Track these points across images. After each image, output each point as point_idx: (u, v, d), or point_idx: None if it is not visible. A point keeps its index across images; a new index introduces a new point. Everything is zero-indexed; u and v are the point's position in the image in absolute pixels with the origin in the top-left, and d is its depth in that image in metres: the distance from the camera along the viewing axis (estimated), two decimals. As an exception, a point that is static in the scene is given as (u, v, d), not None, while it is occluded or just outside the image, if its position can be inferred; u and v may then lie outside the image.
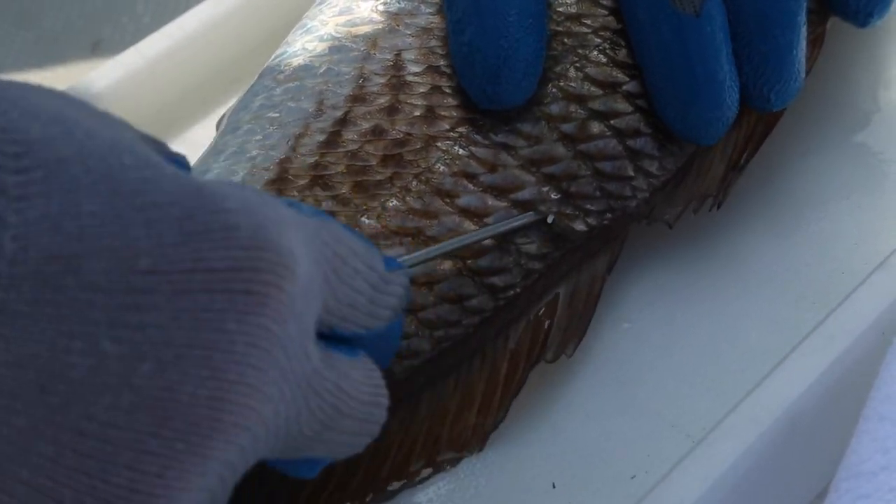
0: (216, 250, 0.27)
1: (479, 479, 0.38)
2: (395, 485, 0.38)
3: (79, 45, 0.58)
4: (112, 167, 0.26)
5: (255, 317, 0.27)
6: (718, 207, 0.42)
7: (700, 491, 0.35)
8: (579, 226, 0.40)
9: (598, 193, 0.40)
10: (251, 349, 0.27)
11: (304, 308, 0.29)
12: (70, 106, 0.28)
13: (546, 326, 0.40)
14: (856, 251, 0.43)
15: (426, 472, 0.38)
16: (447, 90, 0.40)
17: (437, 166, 0.39)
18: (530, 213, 0.40)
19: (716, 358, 0.40)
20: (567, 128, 0.40)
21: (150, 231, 0.26)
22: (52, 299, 0.25)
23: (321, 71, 0.41)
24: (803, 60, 0.41)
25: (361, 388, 0.32)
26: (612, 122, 0.41)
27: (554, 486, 0.38)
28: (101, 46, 0.58)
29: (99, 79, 0.46)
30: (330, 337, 0.32)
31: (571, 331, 0.40)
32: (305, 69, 0.41)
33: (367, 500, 0.38)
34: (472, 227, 0.39)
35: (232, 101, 0.47)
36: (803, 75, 0.41)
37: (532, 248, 0.40)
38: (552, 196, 0.40)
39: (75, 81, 0.46)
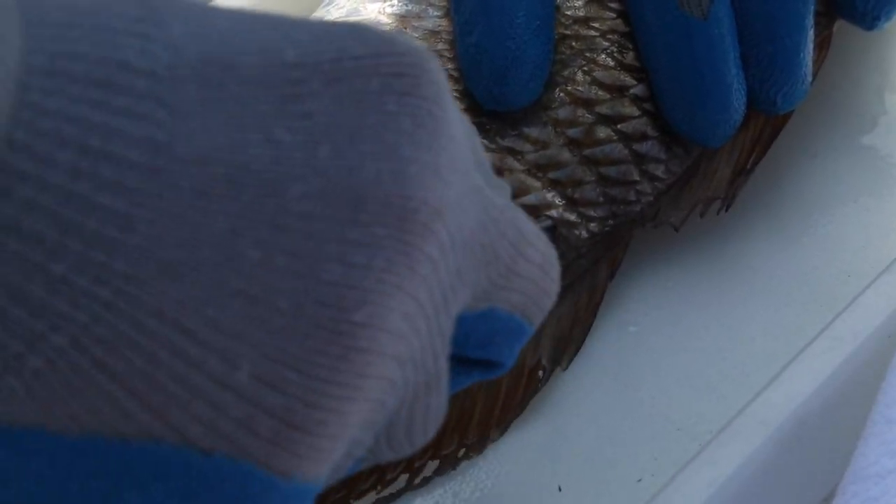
0: (356, 42, 0.26)
1: (484, 482, 0.38)
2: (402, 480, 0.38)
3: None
4: (231, 9, 0.27)
5: (412, 98, 0.26)
6: (727, 210, 0.42)
7: (706, 494, 0.35)
8: (582, 233, 0.40)
9: (601, 199, 0.40)
10: (418, 129, 0.26)
11: (456, 113, 0.28)
12: None
13: (545, 338, 0.40)
14: (863, 254, 0.43)
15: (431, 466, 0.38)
16: (454, 94, 0.40)
17: None
18: (540, 218, 0.40)
19: (722, 361, 0.40)
20: (574, 132, 0.40)
21: (287, 35, 0.26)
22: (218, 97, 0.25)
23: None
24: (810, 63, 0.41)
25: (528, 220, 0.31)
26: (618, 126, 0.41)
27: (560, 490, 0.38)
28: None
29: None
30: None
31: (570, 340, 0.40)
32: None
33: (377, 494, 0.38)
34: None
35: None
36: (810, 78, 0.41)
37: None
38: (557, 202, 0.40)
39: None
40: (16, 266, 0.23)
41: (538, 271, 0.30)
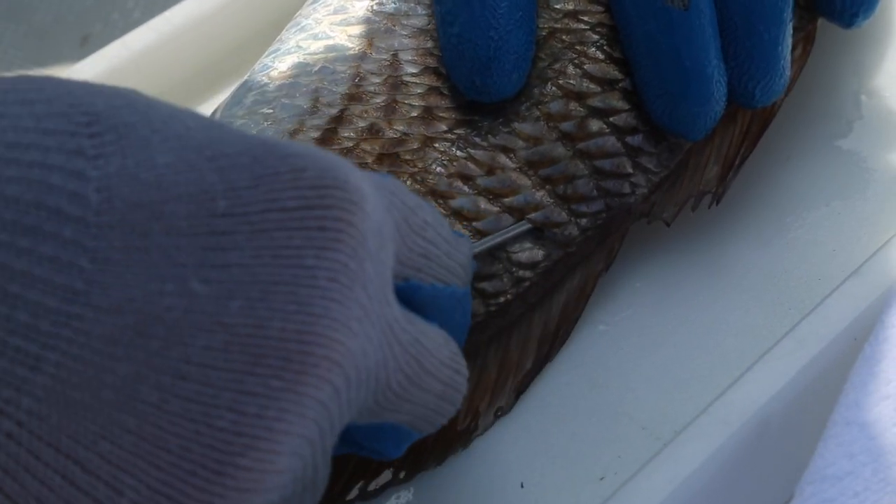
0: (287, 190, 0.28)
1: (448, 478, 0.38)
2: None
3: (68, 39, 0.59)
4: (178, 129, 0.28)
5: (332, 252, 0.28)
6: (718, 203, 0.42)
7: (666, 492, 0.35)
8: (572, 231, 0.40)
9: (595, 193, 0.40)
10: (332, 283, 0.28)
11: (378, 248, 0.29)
12: (124, 89, 0.29)
13: (531, 341, 0.40)
14: (833, 258, 0.43)
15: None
16: (445, 91, 0.40)
17: (433, 167, 0.39)
18: (523, 221, 0.40)
19: (689, 362, 0.40)
20: (567, 126, 0.40)
21: (223, 177, 0.28)
22: (141, 245, 0.27)
23: (316, 69, 0.41)
24: (789, 57, 0.41)
25: (441, 349, 0.32)
26: (610, 119, 0.41)
27: (522, 486, 0.38)
28: (90, 41, 0.58)
29: (83, 71, 0.46)
30: (407, 300, 0.32)
31: (556, 335, 0.40)
32: (300, 66, 0.41)
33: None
34: (463, 230, 0.39)
35: (217, 98, 0.48)
36: (789, 72, 0.41)
37: (523, 256, 0.40)
38: (546, 200, 0.40)
39: (60, 75, 0.46)
40: None
41: (433, 399, 0.32)
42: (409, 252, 0.32)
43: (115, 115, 0.27)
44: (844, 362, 0.36)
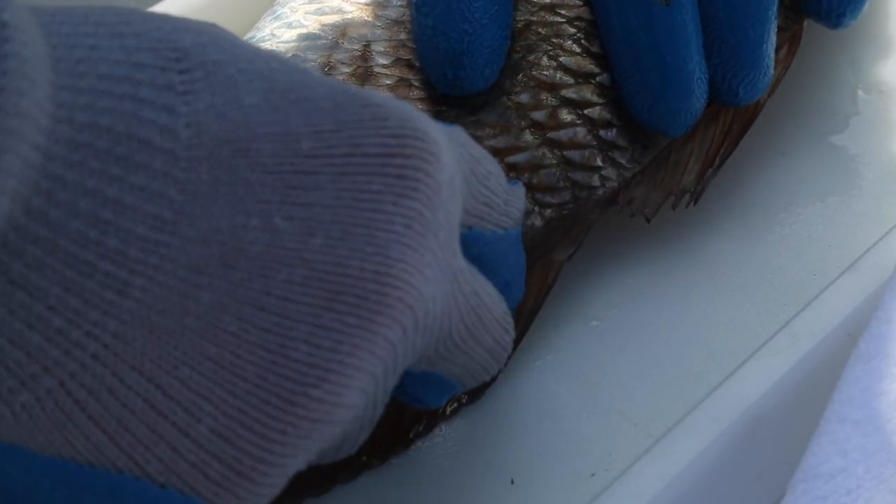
0: (370, 137, 0.29)
1: (437, 474, 0.38)
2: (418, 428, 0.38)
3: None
4: (262, 70, 0.29)
5: (409, 200, 0.29)
6: (695, 203, 0.42)
7: (656, 489, 0.34)
8: (535, 221, 0.39)
9: (561, 184, 0.40)
10: (408, 230, 0.29)
11: (450, 199, 0.30)
12: (207, 25, 0.30)
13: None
14: (829, 254, 0.42)
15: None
16: (415, 83, 0.40)
17: None
18: None
19: (681, 358, 0.40)
20: (537, 115, 0.40)
21: (308, 119, 0.28)
22: (228, 179, 0.27)
23: (287, 57, 0.40)
24: (773, 56, 0.41)
25: (496, 306, 0.33)
26: (584, 111, 0.40)
27: (512, 483, 0.38)
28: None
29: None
30: (470, 247, 0.33)
31: (518, 325, 0.39)
32: None
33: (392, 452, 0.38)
34: None
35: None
36: (773, 70, 0.41)
37: None
38: None
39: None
40: (20, 315, 0.26)
41: (485, 354, 0.33)
42: (475, 201, 0.33)
43: (202, 53, 0.28)
44: (838, 358, 0.36)
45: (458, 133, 0.33)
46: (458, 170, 0.31)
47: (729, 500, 0.37)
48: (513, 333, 0.34)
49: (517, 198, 0.35)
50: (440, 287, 0.30)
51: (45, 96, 0.25)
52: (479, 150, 0.33)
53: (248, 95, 0.28)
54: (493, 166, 0.34)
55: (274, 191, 0.28)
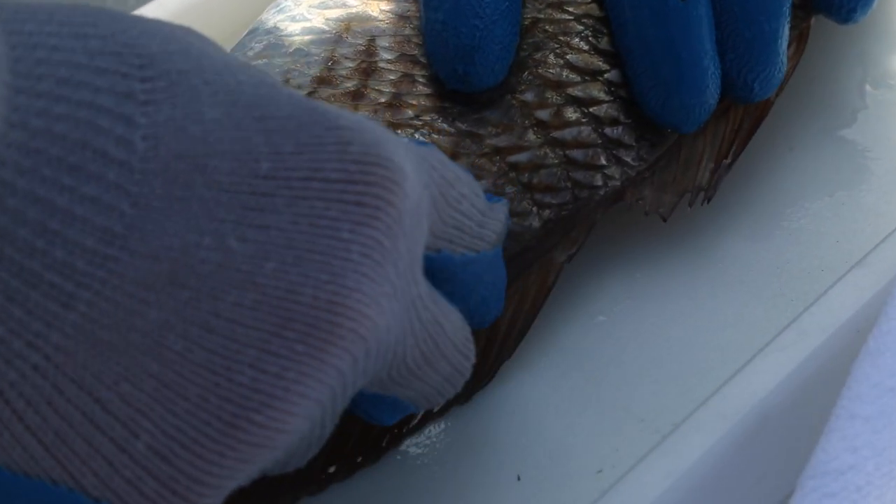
0: (330, 161, 0.28)
1: (443, 469, 0.38)
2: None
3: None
4: (229, 82, 0.28)
5: (368, 228, 0.28)
6: (708, 201, 0.42)
7: (664, 486, 0.34)
8: (533, 222, 0.39)
9: (562, 184, 0.39)
10: (365, 259, 0.28)
11: (412, 227, 0.30)
12: (180, 30, 0.29)
13: (489, 332, 0.39)
14: (837, 249, 0.42)
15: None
16: (419, 79, 0.40)
17: None
18: None
19: (688, 354, 0.40)
20: (542, 114, 0.40)
21: (269, 139, 0.28)
22: (182, 195, 0.27)
23: (290, 50, 0.40)
24: (786, 51, 0.40)
25: (457, 332, 0.33)
26: (590, 109, 0.40)
27: (519, 479, 0.37)
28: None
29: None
30: (437, 270, 0.32)
31: (513, 329, 0.39)
32: (275, 48, 0.40)
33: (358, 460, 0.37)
34: None
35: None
36: (785, 67, 0.40)
37: None
38: (508, 189, 0.39)
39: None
40: None
41: (441, 380, 0.33)
42: (443, 225, 0.32)
43: (168, 61, 0.28)
44: (847, 354, 0.36)
45: (433, 153, 0.32)
46: (425, 195, 0.31)
47: (737, 497, 0.37)
48: (473, 359, 0.34)
49: (495, 219, 0.34)
50: (395, 317, 0.29)
51: (0, 98, 0.25)
52: (453, 172, 0.33)
53: (210, 109, 0.28)
54: (467, 188, 0.33)
55: (229, 210, 0.27)
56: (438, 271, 0.32)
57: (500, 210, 0.35)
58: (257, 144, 0.28)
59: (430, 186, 0.31)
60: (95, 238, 0.26)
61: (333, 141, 0.28)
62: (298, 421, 0.28)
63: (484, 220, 0.34)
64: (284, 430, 0.28)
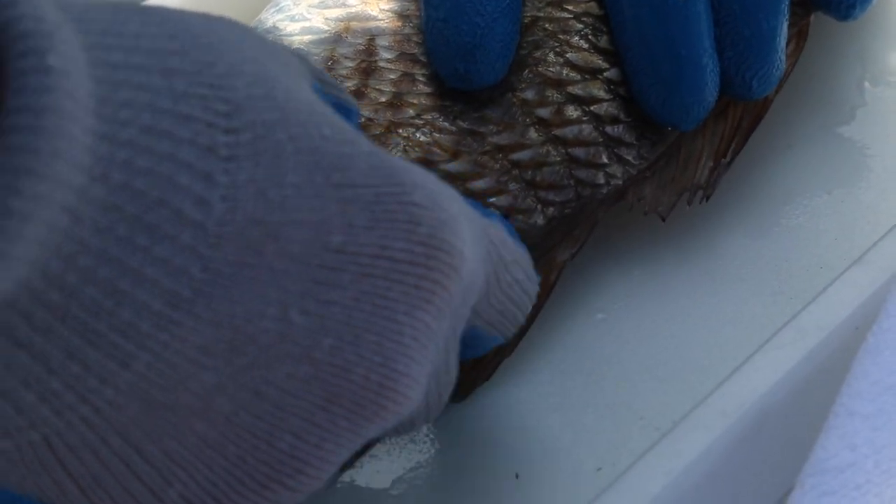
0: (399, 241, 0.28)
1: (442, 467, 0.38)
2: None
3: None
4: (313, 138, 0.28)
5: (421, 312, 0.29)
6: (707, 199, 0.42)
7: (662, 484, 0.34)
8: (538, 220, 0.39)
9: (566, 181, 0.39)
10: (414, 342, 0.29)
11: (460, 307, 0.30)
12: (261, 49, 0.28)
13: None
14: (836, 246, 0.42)
15: None
16: (420, 78, 0.40)
17: (394, 153, 0.39)
18: (488, 210, 0.39)
19: (688, 351, 0.40)
20: (542, 112, 0.40)
21: (344, 210, 0.28)
22: (253, 262, 0.27)
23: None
24: (785, 48, 0.40)
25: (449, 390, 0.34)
26: (590, 107, 0.40)
27: (517, 477, 0.37)
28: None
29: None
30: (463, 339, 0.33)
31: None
32: None
33: None
34: None
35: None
36: (784, 64, 0.40)
37: None
38: (511, 186, 0.39)
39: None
40: (18, 374, 0.25)
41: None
42: (489, 308, 0.33)
43: (253, 109, 0.27)
44: (847, 352, 0.36)
45: (497, 229, 0.32)
46: (480, 271, 0.31)
47: (736, 495, 0.37)
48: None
49: (528, 305, 0.35)
50: (425, 388, 0.30)
51: (84, 149, 0.24)
52: (512, 253, 0.33)
53: (292, 172, 0.27)
54: (521, 273, 0.33)
55: (296, 282, 0.27)
56: (463, 340, 0.33)
57: (533, 289, 0.35)
58: (332, 215, 0.27)
59: (486, 263, 0.31)
60: (163, 301, 0.26)
61: (405, 219, 0.28)
62: (321, 483, 0.29)
63: (526, 307, 0.34)
64: (310, 492, 0.29)
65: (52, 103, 0.23)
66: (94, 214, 0.25)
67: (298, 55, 0.31)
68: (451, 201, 0.30)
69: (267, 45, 0.29)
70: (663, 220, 0.41)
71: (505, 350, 0.39)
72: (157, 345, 0.26)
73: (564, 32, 0.41)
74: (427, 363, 0.29)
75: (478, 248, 0.31)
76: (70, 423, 0.26)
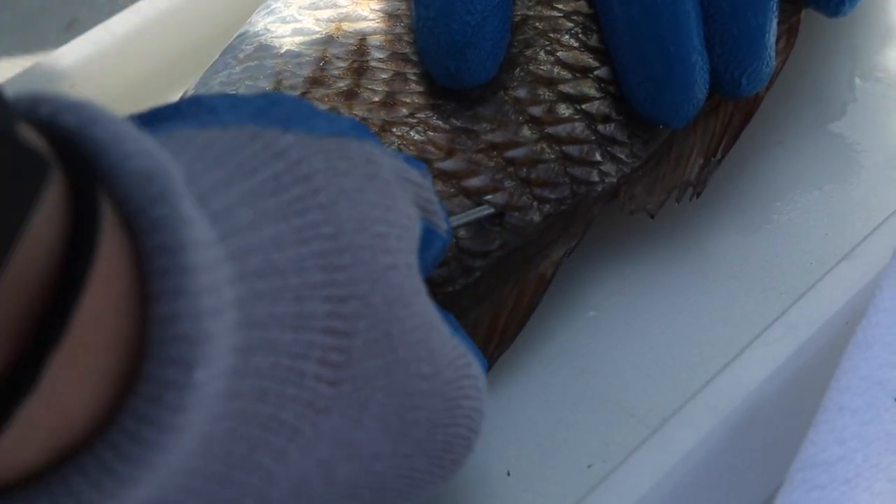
0: (438, 470, 0.32)
1: (434, 465, 0.38)
2: None
3: (54, 24, 0.58)
4: (411, 378, 0.28)
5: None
6: (698, 197, 0.42)
7: (653, 480, 0.34)
8: (534, 217, 0.39)
9: (560, 179, 0.39)
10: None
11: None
12: (384, 225, 0.28)
13: (489, 324, 0.39)
14: (826, 242, 0.42)
15: None
16: (412, 77, 0.40)
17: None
18: (484, 206, 0.39)
19: (678, 348, 0.40)
20: (534, 110, 0.40)
21: (397, 449, 0.29)
22: (304, 491, 0.27)
23: (281, 52, 0.40)
24: (774, 46, 0.40)
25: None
26: (582, 105, 0.40)
27: (509, 474, 0.37)
28: (75, 26, 0.58)
29: (67, 55, 0.46)
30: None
31: (515, 320, 0.39)
32: (266, 49, 0.40)
33: None
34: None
35: (200, 83, 0.47)
36: (774, 62, 0.40)
37: (474, 244, 0.39)
38: (507, 183, 0.39)
39: (45, 59, 0.46)
40: None
41: None
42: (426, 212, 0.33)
43: (366, 356, 0.27)
44: (836, 347, 0.36)
45: (412, 174, 0.32)
46: (416, 211, 0.32)
47: (726, 490, 0.37)
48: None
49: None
50: None
51: (206, 419, 0.24)
52: (416, 178, 0.32)
53: (372, 418, 0.28)
54: (423, 182, 0.33)
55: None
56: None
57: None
58: (384, 453, 0.28)
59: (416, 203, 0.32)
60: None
61: (451, 459, 0.32)
62: None
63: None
64: None
65: (187, 401, 0.23)
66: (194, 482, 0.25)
67: (411, 180, 0.31)
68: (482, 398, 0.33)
69: (391, 214, 0.29)
70: (652, 217, 0.41)
71: (504, 343, 0.39)
72: None
73: (555, 31, 0.41)
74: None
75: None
76: None
